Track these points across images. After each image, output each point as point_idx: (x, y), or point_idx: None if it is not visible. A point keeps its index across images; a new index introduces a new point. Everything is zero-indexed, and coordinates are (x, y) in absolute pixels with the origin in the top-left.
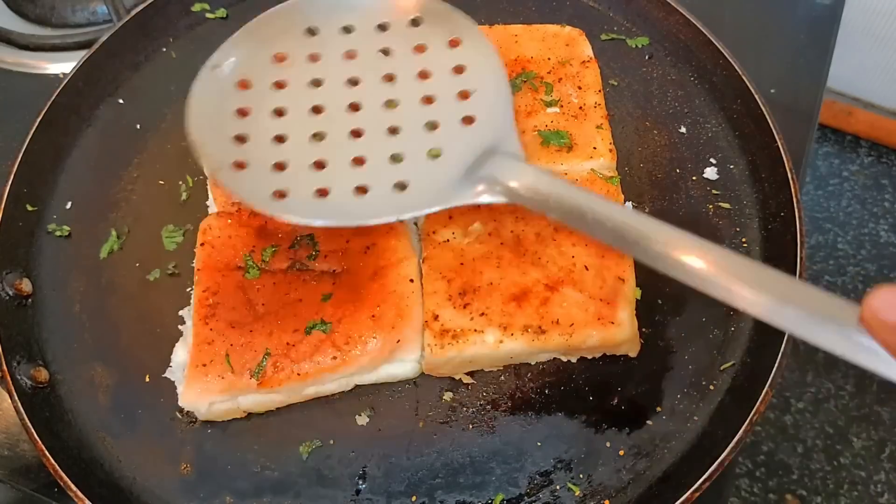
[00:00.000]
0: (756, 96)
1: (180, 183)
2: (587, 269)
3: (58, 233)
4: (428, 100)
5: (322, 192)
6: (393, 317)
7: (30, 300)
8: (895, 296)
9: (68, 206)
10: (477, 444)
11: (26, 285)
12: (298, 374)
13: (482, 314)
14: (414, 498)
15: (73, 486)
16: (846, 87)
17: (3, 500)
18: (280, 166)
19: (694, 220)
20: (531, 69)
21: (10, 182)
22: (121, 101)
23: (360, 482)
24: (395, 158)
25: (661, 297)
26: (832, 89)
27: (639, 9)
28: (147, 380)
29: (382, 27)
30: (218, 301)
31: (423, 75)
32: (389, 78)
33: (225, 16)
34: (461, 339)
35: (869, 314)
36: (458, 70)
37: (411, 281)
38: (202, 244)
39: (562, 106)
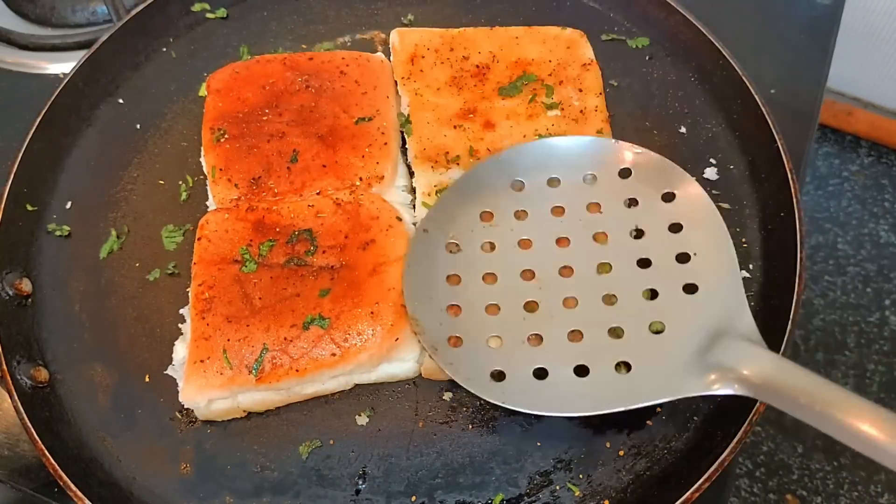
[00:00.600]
0: (756, 96)
1: (180, 183)
2: None
3: (58, 232)
4: (644, 263)
5: (541, 374)
6: (392, 315)
7: (30, 300)
8: None
9: (68, 205)
10: (477, 444)
11: (26, 285)
12: (297, 370)
13: None
14: (414, 498)
15: (72, 486)
16: (846, 87)
17: (3, 500)
18: (496, 341)
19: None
20: (532, 72)
21: (10, 182)
22: (121, 101)
23: (360, 482)
24: (615, 333)
25: None
26: (832, 89)
27: (639, 9)
28: (147, 380)
29: (590, 179)
30: (214, 295)
31: (638, 234)
32: (601, 237)
33: (225, 16)
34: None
35: None
36: (675, 228)
37: None
38: (199, 239)
39: (562, 109)
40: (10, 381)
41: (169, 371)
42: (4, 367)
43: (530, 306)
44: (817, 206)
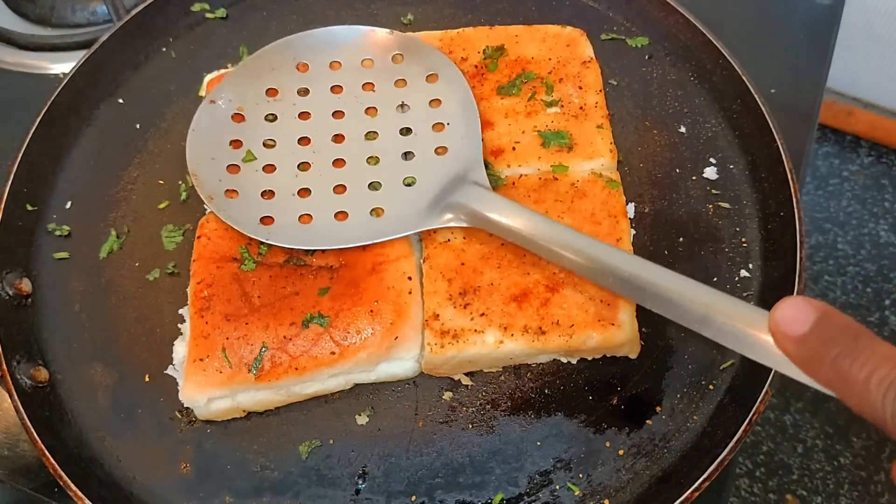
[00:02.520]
0: (756, 96)
1: (180, 182)
2: None
3: (58, 232)
4: (405, 131)
5: (305, 218)
6: (391, 313)
7: (29, 300)
8: (796, 310)
9: (68, 205)
10: (477, 443)
11: (26, 285)
12: (296, 369)
13: (482, 314)
14: (414, 497)
15: (72, 486)
16: (846, 87)
17: (3, 500)
18: (269, 195)
19: (693, 219)
20: (531, 70)
21: (9, 182)
22: (121, 100)
23: (360, 482)
24: (373, 186)
25: None
26: (832, 89)
27: (639, 9)
28: (147, 379)
29: (367, 63)
30: (213, 293)
31: (403, 108)
32: (372, 110)
33: (224, 16)
34: (461, 339)
35: (773, 325)
36: (434, 104)
37: (409, 278)
38: (199, 237)
39: (562, 106)
40: (10, 381)
41: (169, 371)
42: (4, 366)
43: (304, 167)
44: (817, 206)
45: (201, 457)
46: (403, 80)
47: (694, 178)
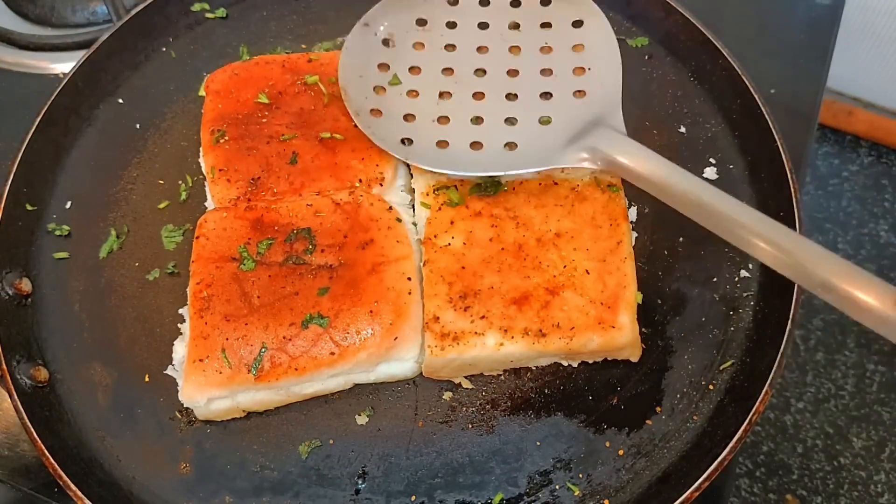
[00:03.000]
0: (755, 96)
1: (180, 182)
2: (588, 273)
3: (57, 232)
4: (546, 72)
5: (442, 144)
6: (391, 314)
7: (29, 299)
8: None
9: (68, 205)
10: (476, 443)
11: (26, 285)
12: (296, 369)
13: (483, 317)
14: (413, 497)
15: (72, 486)
16: (846, 87)
17: (3, 500)
18: (410, 117)
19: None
20: None
21: (9, 181)
22: (120, 100)
23: (360, 482)
24: (510, 121)
25: (660, 297)
26: (832, 89)
27: (638, 9)
28: (146, 379)
29: (516, 3)
30: (212, 293)
31: (546, 50)
32: (515, 49)
33: (224, 15)
34: (462, 342)
35: None
36: (578, 48)
37: (409, 279)
38: (198, 237)
39: None
40: (10, 381)
41: (168, 371)
42: (4, 366)
43: (445, 95)
44: (817, 206)
45: (201, 456)
46: (549, 22)
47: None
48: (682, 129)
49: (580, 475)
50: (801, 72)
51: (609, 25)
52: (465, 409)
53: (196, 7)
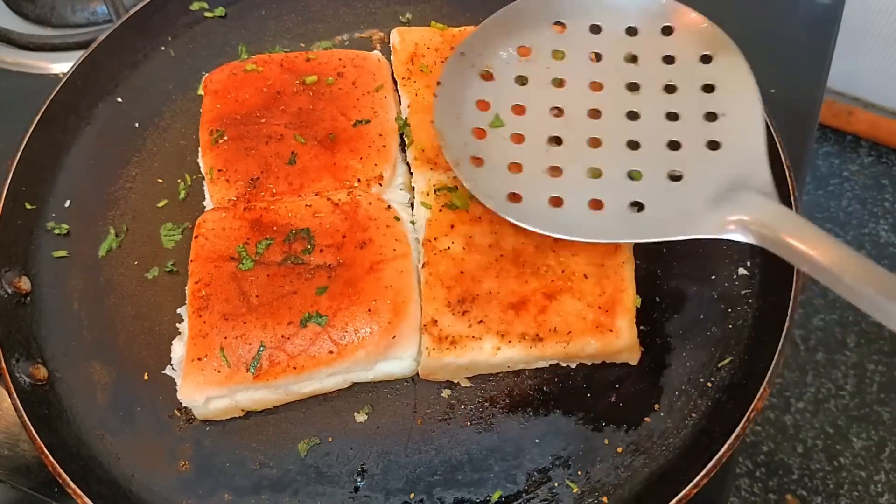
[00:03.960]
0: None
1: (179, 181)
2: (586, 277)
3: (56, 231)
4: (672, 116)
5: (556, 202)
6: (389, 312)
7: (28, 298)
8: None
9: (67, 204)
10: (475, 441)
11: (25, 283)
12: (294, 368)
13: (480, 321)
14: (412, 495)
15: (71, 484)
16: (846, 87)
17: (2, 499)
18: (516, 167)
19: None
20: None
21: (8, 180)
22: (119, 99)
23: (359, 479)
24: (633, 175)
25: (659, 294)
26: (832, 89)
27: None
28: (146, 377)
29: (632, 31)
30: (211, 293)
31: (670, 89)
32: (634, 87)
33: (223, 14)
34: (459, 346)
35: None
36: (708, 88)
37: (408, 278)
38: (196, 237)
39: None
40: (9, 379)
41: (167, 371)
42: (3, 365)
43: (555, 141)
44: (817, 206)
45: (200, 454)
46: (672, 56)
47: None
48: None
49: (579, 472)
50: (801, 72)
51: (745, 61)
52: (463, 406)
53: (195, 6)
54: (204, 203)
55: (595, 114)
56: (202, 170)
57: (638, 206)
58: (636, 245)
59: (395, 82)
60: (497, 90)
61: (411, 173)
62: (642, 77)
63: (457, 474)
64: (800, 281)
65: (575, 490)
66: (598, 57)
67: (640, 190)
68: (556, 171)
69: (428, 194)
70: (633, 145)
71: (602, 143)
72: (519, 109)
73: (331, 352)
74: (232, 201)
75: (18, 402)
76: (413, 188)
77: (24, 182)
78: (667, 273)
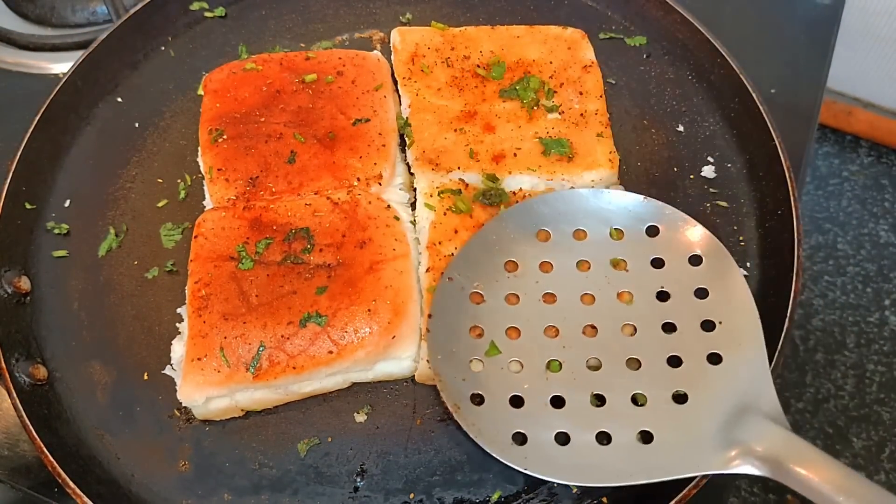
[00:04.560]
0: (754, 95)
1: (178, 181)
2: None
3: (56, 231)
4: (669, 327)
5: (561, 437)
6: (389, 312)
7: (28, 298)
8: None
9: (67, 204)
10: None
11: (25, 283)
12: (294, 368)
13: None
14: (412, 495)
15: (71, 484)
16: (846, 87)
17: (3, 499)
18: (517, 401)
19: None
20: (533, 73)
21: (8, 180)
22: (119, 99)
23: (359, 479)
24: (637, 399)
25: None
26: (832, 89)
27: (637, 8)
28: (145, 377)
29: (617, 233)
30: (210, 292)
31: (663, 296)
32: (625, 296)
33: (223, 14)
34: None
35: None
36: (701, 293)
37: (407, 278)
38: (196, 236)
39: (562, 112)
40: (9, 379)
41: (167, 371)
42: (3, 364)
43: (553, 365)
44: (817, 206)
45: (200, 454)
46: (661, 259)
47: (692, 176)
48: (681, 128)
49: None
50: (801, 72)
51: (732, 260)
52: None
53: (195, 6)
54: (204, 203)
55: (591, 330)
56: (202, 169)
57: (646, 436)
58: None
59: (395, 82)
60: (489, 313)
61: (411, 173)
62: (634, 285)
63: (456, 474)
64: (799, 281)
65: (574, 490)
66: (587, 265)
67: (646, 417)
68: (558, 401)
69: (431, 196)
70: (634, 364)
71: (602, 365)
72: (514, 333)
73: (330, 352)
74: (231, 200)
75: (18, 401)
76: (413, 189)
77: (24, 182)
78: None
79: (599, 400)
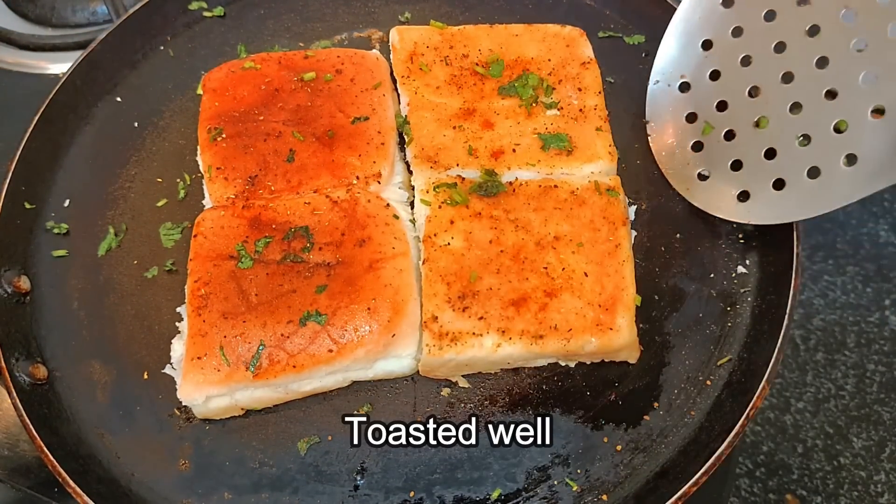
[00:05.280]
0: None
1: (178, 180)
2: (586, 275)
3: (56, 230)
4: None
5: (779, 184)
6: (388, 311)
7: (28, 297)
8: None
9: (66, 203)
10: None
11: (25, 283)
12: (294, 366)
13: (481, 318)
14: (412, 493)
15: (71, 483)
16: None
17: (3, 499)
18: (737, 165)
19: (691, 216)
20: (532, 70)
21: (8, 180)
22: (118, 99)
23: (359, 478)
24: (838, 128)
25: (658, 293)
26: None
27: (635, 7)
28: (145, 377)
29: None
30: (210, 291)
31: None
32: (814, 30)
33: (222, 14)
34: (460, 342)
35: None
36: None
37: (407, 276)
38: (195, 235)
39: (561, 108)
40: (9, 379)
41: (167, 370)
42: (3, 364)
43: (761, 122)
44: None
45: (200, 453)
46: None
47: None
48: None
49: (578, 471)
50: None
51: None
52: (463, 405)
53: (194, 6)
54: (203, 202)
55: (788, 77)
56: (201, 168)
57: (851, 158)
58: (635, 243)
59: (394, 81)
60: (696, 97)
61: (410, 172)
62: (821, 20)
63: (456, 472)
64: (798, 278)
65: (574, 488)
66: (772, 15)
67: (849, 142)
68: (771, 152)
69: (427, 192)
70: (830, 95)
71: (802, 108)
72: (722, 106)
73: (330, 350)
74: (231, 199)
75: (18, 401)
76: (412, 187)
77: (24, 181)
78: (665, 271)
79: (806, 140)
